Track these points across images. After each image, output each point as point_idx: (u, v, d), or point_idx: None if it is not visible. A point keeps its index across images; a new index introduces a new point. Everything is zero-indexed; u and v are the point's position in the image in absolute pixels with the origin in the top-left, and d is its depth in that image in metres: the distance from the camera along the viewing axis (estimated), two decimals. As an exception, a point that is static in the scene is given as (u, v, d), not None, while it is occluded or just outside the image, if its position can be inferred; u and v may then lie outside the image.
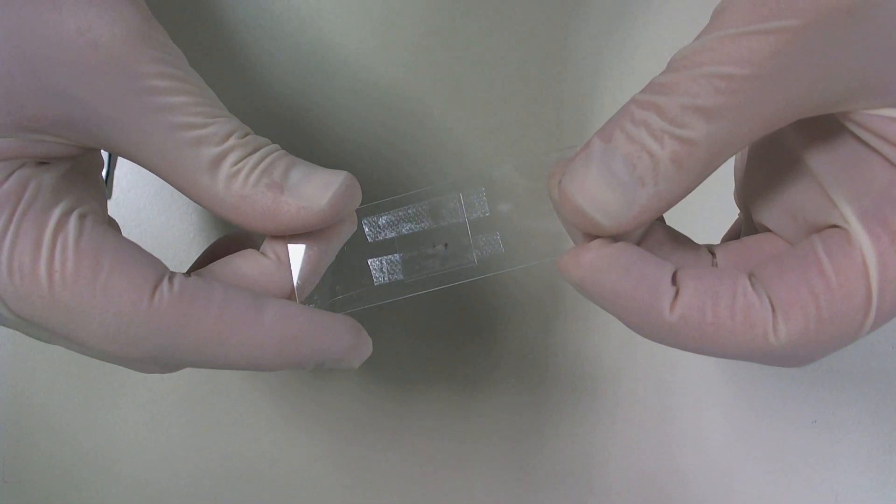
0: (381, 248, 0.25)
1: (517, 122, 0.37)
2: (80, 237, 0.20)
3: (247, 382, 0.37)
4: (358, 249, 0.25)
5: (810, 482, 0.37)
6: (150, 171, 0.22)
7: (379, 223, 0.25)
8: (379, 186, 0.36)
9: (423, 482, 0.37)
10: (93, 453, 0.36)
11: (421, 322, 0.37)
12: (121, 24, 0.20)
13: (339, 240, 0.24)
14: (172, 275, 0.21)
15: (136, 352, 0.20)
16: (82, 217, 0.21)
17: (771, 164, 0.22)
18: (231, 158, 0.21)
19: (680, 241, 0.23)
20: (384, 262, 0.25)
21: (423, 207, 0.25)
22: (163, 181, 0.22)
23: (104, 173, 0.36)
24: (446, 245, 0.25)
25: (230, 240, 0.25)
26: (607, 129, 0.20)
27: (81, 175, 0.23)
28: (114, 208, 0.37)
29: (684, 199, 0.20)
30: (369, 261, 0.25)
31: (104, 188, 0.24)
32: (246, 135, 0.22)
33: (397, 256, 0.25)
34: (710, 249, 0.23)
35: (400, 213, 0.25)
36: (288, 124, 0.36)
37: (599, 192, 0.19)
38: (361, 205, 0.23)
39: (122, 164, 0.37)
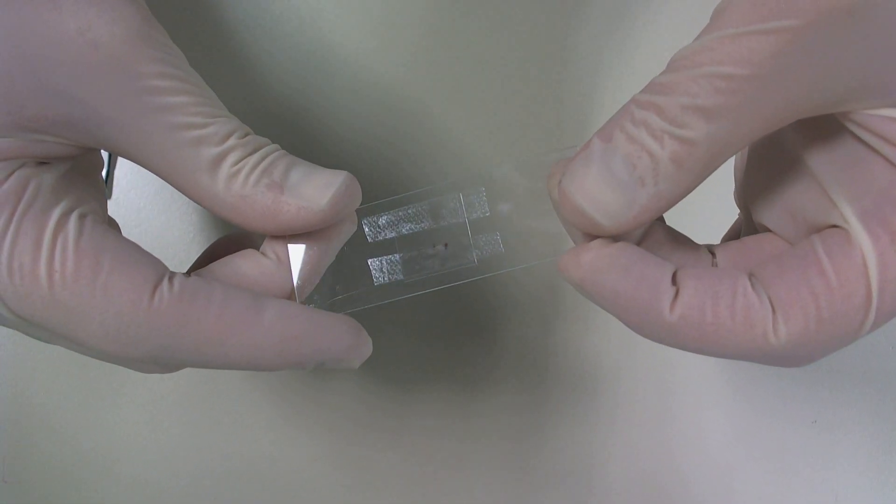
0: (381, 248, 0.25)
1: (517, 122, 0.37)
2: (80, 237, 0.20)
3: (247, 382, 0.37)
4: (358, 249, 0.25)
5: (810, 482, 0.37)
6: (150, 171, 0.22)
7: (379, 223, 0.25)
8: (379, 186, 0.36)
9: (423, 482, 0.37)
10: (93, 453, 0.36)
11: (421, 322, 0.37)
12: (121, 24, 0.20)
13: (339, 240, 0.24)
14: (172, 275, 0.21)
15: (136, 352, 0.20)
16: (82, 217, 0.21)
17: (771, 164, 0.22)
18: (231, 158, 0.21)
19: (680, 241, 0.23)
20: (384, 262, 0.25)
21: (423, 207, 0.25)
22: (163, 181, 0.22)
23: (104, 173, 0.36)
24: (446, 245, 0.25)
25: (230, 240, 0.25)
26: (607, 129, 0.20)
27: (81, 175, 0.23)
28: (114, 208, 0.37)
29: (684, 199, 0.20)
30: (369, 261, 0.25)
31: (104, 188, 0.24)
32: (246, 135, 0.22)
33: (397, 256, 0.25)
34: (711, 249, 0.23)
35: (400, 213, 0.25)
36: (288, 124, 0.36)
37: (599, 192, 0.19)
38: (361, 205, 0.23)
39: (122, 164, 0.37)
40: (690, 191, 0.20)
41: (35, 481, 0.36)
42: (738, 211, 0.26)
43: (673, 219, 0.23)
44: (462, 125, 0.37)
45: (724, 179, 0.24)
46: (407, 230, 0.25)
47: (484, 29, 0.37)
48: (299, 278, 0.23)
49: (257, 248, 0.23)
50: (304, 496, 0.37)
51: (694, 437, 0.37)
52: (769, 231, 0.23)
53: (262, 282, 0.22)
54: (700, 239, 0.24)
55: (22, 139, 0.20)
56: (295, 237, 0.23)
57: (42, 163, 0.21)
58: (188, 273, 0.22)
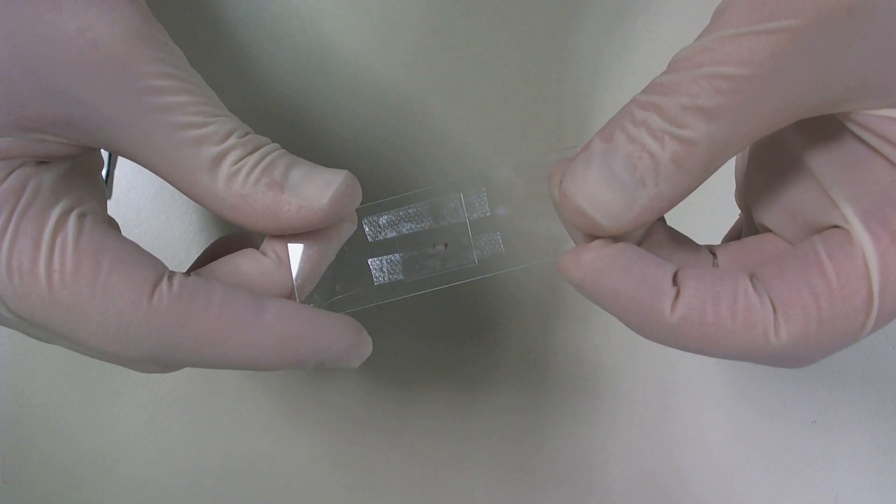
0: (382, 248, 0.25)
1: (517, 122, 0.37)
2: (80, 237, 0.20)
3: (247, 382, 0.37)
4: (358, 249, 0.25)
5: (810, 482, 0.37)
6: (150, 170, 0.22)
7: (379, 223, 0.25)
8: (379, 186, 0.36)
9: (423, 482, 0.37)
10: (93, 453, 0.36)
11: (421, 322, 0.37)
12: (121, 24, 0.20)
13: (340, 239, 0.24)
14: (172, 274, 0.21)
15: (136, 351, 0.20)
16: (82, 216, 0.21)
17: (771, 164, 0.22)
18: (231, 158, 0.21)
19: (681, 241, 0.23)
20: (384, 262, 0.25)
21: (424, 207, 0.25)
22: (163, 181, 0.22)
23: (104, 173, 0.36)
24: (446, 245, 0.25)
25: (230, 239, 0.25)
26: (608, 129, 0.20)
27: (81, 175, 0.23)
28: (114, 208, 0.37)
29: (685, 200, 0.20)
30: (369, 260, 0.25)
31: (104, 188, 0.24)
32: (246, 134, 0.22)
33: (397, 256, 0.25)
34: (711, 250, 0.23)
35: (400, 213, 0.25)
36: (288, 124, 0.36)
37: (600, 192, 0.19)
38: (362, 204, 0.23)
39: (122, 164, 0.37)
40: (691, 191, 0.20)
41: (35, 481, 0.36)
42: (739, 211, 0.26)
43: (674, 219, 0.23)
44: (462, 125, 0.37)
45: (724, 180, 0.24)
46: (407, 230, 0.25)
47: (484, 29, 0.37)
48: (299, 278, 0.23)
49: (257, 247, 0.23)
50: (304, 496, 0.37)
51: (694, 437, 0.37)
52: (770, 231, 0.23)
53: (262, 281, 0.22)
54: (701, 239, 0.24)
55: (22, 138, 0.20)
56: (295, 236, 0.23)
57: (42, 162, 0.21)
58: (188, 273, 0.22)
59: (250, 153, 0.21)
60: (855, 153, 0.20)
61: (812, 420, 0.37)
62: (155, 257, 0.21)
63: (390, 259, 0.25)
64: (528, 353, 0.37)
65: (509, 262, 0.25)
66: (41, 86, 0.20)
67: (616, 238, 0.21)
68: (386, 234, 0.25)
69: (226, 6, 0.37)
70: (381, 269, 0.25)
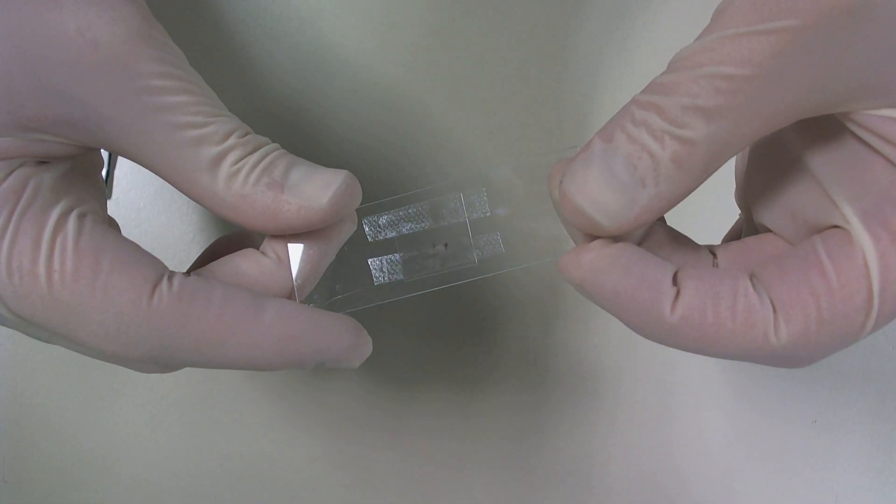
0: (382, 248, 0.25)
1: (517, 122, 0.37)
2: (80, 236, 0.20)
3: (247, 382, 0.37)
4: (358, 249, 0.25)
5: (810, 482, 0.37)
6: (150, 170, 0.22)
7: (379, 223, 0.25)
8: (379, 186, 0.36)
9: (423, 482, 0.37)
10: (93, 453, 0.36)
11: (421, 322, 0.37)
12: (121, 24, 0.20)
13: (339, 239, 0.24)
14: (172, 274, 0.21)
15: (136, 351, 0.20)
16: (82, 216, 0.21)
17: (771, 164, 0.22)
18: (231, 157, 0.21)
19: (681, 241, 0.23)
20: (384, 262, 0.25)
21: (424, 207, 0.25)
22: (163, 181, 0.22)
23: (104, 173, 0.36)
24: (446, 245, 0.25)
25: (230, 239, 0.25)
26: (608, 129, 0.20)
27: (81, 175, 0.23)
28: (114, 208, 0.37)
29: (685, 200, 0.20)
30: (369, 260, 0.25)
31: (104, 188, 0.24)
32: (246, 134, 0.22)
33: (397, 256, 0.25)
34: (711, 250, 0.23)
35: (400, 213, 0.25)
36: (288, 124, 0.36)
37: (600, 192, 0.19)
38: (362, 204, 0.23)
39: (122, 164, 0.37)
40: (691, 191, 0.20)
41: (35, 481, 0.36)
42: (739, 211, 0.26)
43: (674, 219, 0.23)
44: (462, 125, 0.37)
45: (724, 180, 0.24)
46: (407, 230, 0.25)
47: (484, 29, 0.37)
48: (299, 278, 0.23)
49: (257, 247, 0.23)
50: (304, 496, 0.37)
51: (694, 437, 0.37)
52: (770, 231, 0.23)
53: (262, 281, 0.22)
54: (701, 239, 0.24)
55: (22, 138, 0.20)
56: (295, 236, 0.23)
57: (42, 162, 0.21)
58: (188, 273, 0.22)
59: (250, 153, 0.21)
60: (855, 153, 0.20)
61: (812, 420, 0.37)
62: (155, 257, 0.21)
63: (390, 259, 0.25)
64: (528, 353, 0.37)
65: (509, 263, 0.25)
66: (41, 85, 0.20)
67: (616, 238, 0.21)
68: (386, 234, 0.25)
69: (226, 6, 0.37)
70: (381, 269, 0.25)
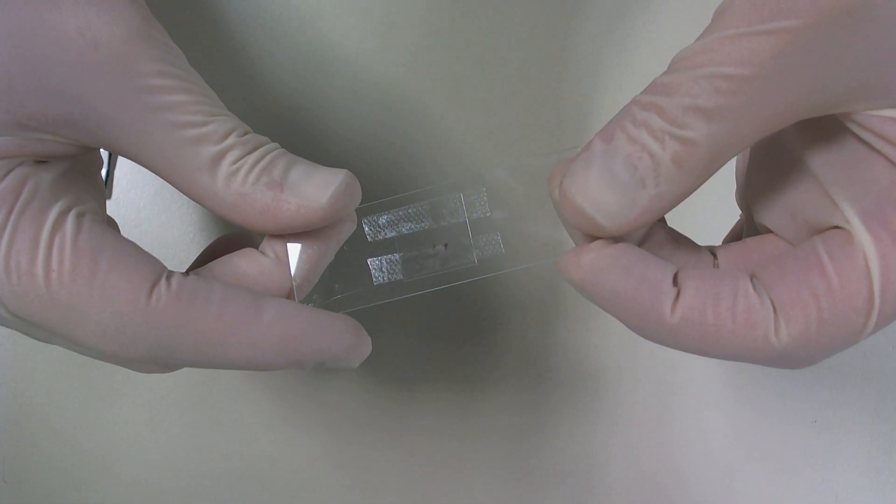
0: (381, 248, 0.25)
1: (517, 122, 0.37)
2: (78, 236, 0.20)
3: (247, 382, 0.37)
4: (358, 249, 0.25)
5: (810, 482, 0.37)
6: (150, 170, 0.22)
7: (379, 222, 0.25)
8: (379, 186, 0.36)
9: (423, 482, 0.37)
10: (93, 453, 0.36)
11: (421, 322, 0.37)
12: (120, 24, 0.20)
13: (339, 239, 0.24)
14: (170, 274, 0.21)
15: (135, 351, 0.20)
16: (80, 216, 0.21)
17: (772, 164, 0.22)
18: (230, 157, 0.21)
19: (681, 242, 0.23)
20: (384, 262, 0.25)
21: (424, 207, 0.25)
22: (163, 181, 0.22)
23: (104, 173, 0.36)
24: (446, 245, 0.25)
25: (230, 239, 0.25)
26: (608, 129, 0.20)
27: (80, 174, 0.23)
28: (114, 208, 0.37)
29: (686, 201, 0.20)
30: (369, 260, 0.25)
31: (103, 187, 0.24)
32: (245, 133, 0.22)
33: (397, 256, 0.25)
34: (712, 251, 0.23)
35: (400, 213, 0.25)
36: (288, 124, 0.36)
37: (600, 193, 0.19)
38: (361, 204, 0.23)
39: (122, 164, 0.37)
40: (691, 192, 0.20)
41: (35, 481, 0.36)
42: (740, 212, 0.26)
43: (674, 220, 0.23)
44: (462, 125, 0.37)
45: (725, 180, 0.24)
46: (407, 230, 0.25)
47: (484, 29, 0.37)
48: (298, 277, 0.23)
49: (257, 247, 0.23)
50: (304, 496, 0.37)
51: (694, 437, 0.37)
52: (771, 232, 0.23)
53: (262, 281, 0.22)
54: (701, 240, 0.24)
55: (21, 138, 0.20)
56: (294, 236, 0.23)
57: (41, 161, 0.21)
58: (187, 272, 0.22)
59: (250, 152, 0.21)
60: (855, 153, 0.20)
61: (812, 420, 0.37)
62: (154, 257, 0.21)
63: (390, 259, 0.25)
64: (528, 353, 0.37)
65: (509, 263, 0.25)
66: (41, 85, 0.20)
67: (616, 239, 0.21)
68: (385, 233, 0.25)
69: (226, 6, 0.37)
70: (381, 269, 0.25)
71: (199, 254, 0.25)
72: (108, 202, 0.36)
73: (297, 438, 0.37)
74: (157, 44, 0.21)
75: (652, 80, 0.20)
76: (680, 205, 0.20)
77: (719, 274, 0.20)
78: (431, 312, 0.37)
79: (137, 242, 0.21)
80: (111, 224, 0.24)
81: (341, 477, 0.37)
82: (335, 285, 0.25)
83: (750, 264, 0.22)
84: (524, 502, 0.37)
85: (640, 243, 0.22)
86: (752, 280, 0.20)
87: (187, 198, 0.22)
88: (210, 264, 0.23)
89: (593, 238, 0.21)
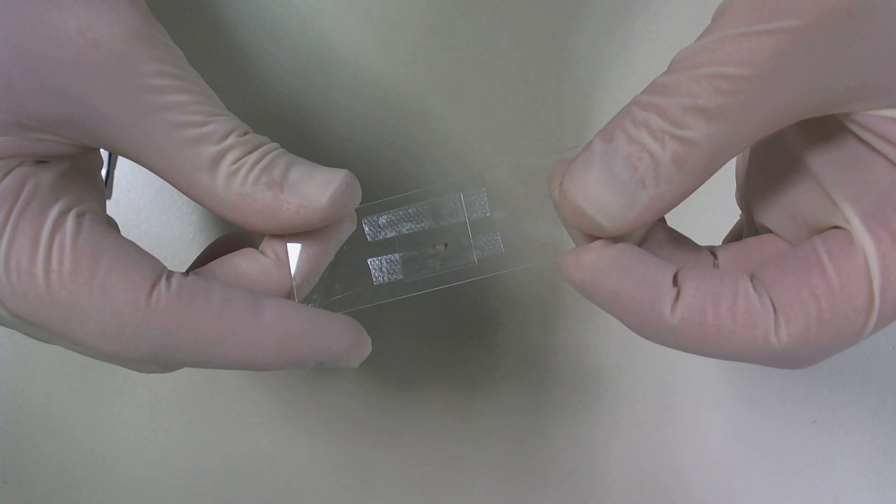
0: (381, 248, 0.25)
1: (517, 122, 0.37)
2: (78, 236, 0.20)
3: (246, 382, 0.37)
4: (358, 249, 0.25)
5: (810, 482, 0.37)
6: (150, 170, 0.22)
7: (379, 222, 0.25)
8: (379, 186, 0.36)
9: (423, 482, 0.37)
10: (93, 453, 0.36)
11: (421, 322, 0.37)
12: (120, 24, 0.20)
13: (339, 239, 0.24)
14: (170, 274, 0.21)
15: (135, 351, 0.20)
16: (80, 216, 0.21)
17: (772, 164, 0.22)
18: (230, 157, 0.21)
19: (681, 242, 0.23)
20: (384, 262, 0.25)
21: (424, 207, 0.25)
22: (163, 181, 0.22)
23: (104, 173, 0.36)
24: (446, 245, 0.25)
25: (230, 239, 0.25)
26: (608, 129, 0.20)
27: (80, 174, 0.23)
28: (114, 208, 0.37)
29: (686, 201, 0.20)
30: (369, 260, 0.25)
31: (103, 187, 0.24)
32: (245, 133, 0.22)
33: (397, 256, 0.25)
34: (712, 251, 0.23)
35: (400, 213, 0.25)
36: (288, 124, 0.36)
37: (600, 193, 0.19)
38: (361, 204, 0.23)
39: (122, 164, 0.37)
40: (691, 192, 0.20)
41: (35, 481, 0.36)
42: (740, 212, 0.26)
43: (674, 220, 0.23)
44: (462, 125, 0.37)
45: (725, 180, 0.24)
46: (407, 230, 0.25)
47: (484, 29, 0.37)
48: (298, 277, 0.23)
49: (257, 247, 0.23)
50: (303, 496, 0.37)
51: (694, 437, 0.37)
52: (771, 232, 0.23)
53: (262, 281, 0.22)
54: (702, 240, 0.24)
55: (21, 138, 0.20)
56: (294, 236, 0.23)
57: (40, 161, 0.21)
58: (187, 272, 0.22)
59: (249, 152, 0.21)
60: (855, 154, 0.20)
61: (812, 420, 0.37)
62: (153, 257, 0.21)
63: (390, 259, 0.25)
64: (528, 353, 0.37)
65: (509, 263, 0.25)
66: (41, 85, 0.20)
67: (616, 239, 0.21)
68: (385, 233, 0.25)
69: (226, 6, 0.37)
70: (381, 269, 0.25)
71: (199, 254, 0.25)
72: (108, 202, 0.36)
73: (297, 438, 0.37)
74: (157, 44, 0.21)
75: (652, 80, 0.20)
76: (680, 205, 0.20)
77: (719, 274, 0.20)
78: (431, 312, 0.37)
79: (137, 242, 0.21)
80: (111, 224, 0.24)
81: (341, 477, 0.37)
82: (335, 285, 0.25)
83: (750, 264, 0.22)
84: (524, 502, 0.37)
85: (640, 243, 0.22)
86: (752, 280, 0.20)
87: (187, 198, 0.22)
88: (210, 264, 0.23)
89: (593, 238, 0.21)
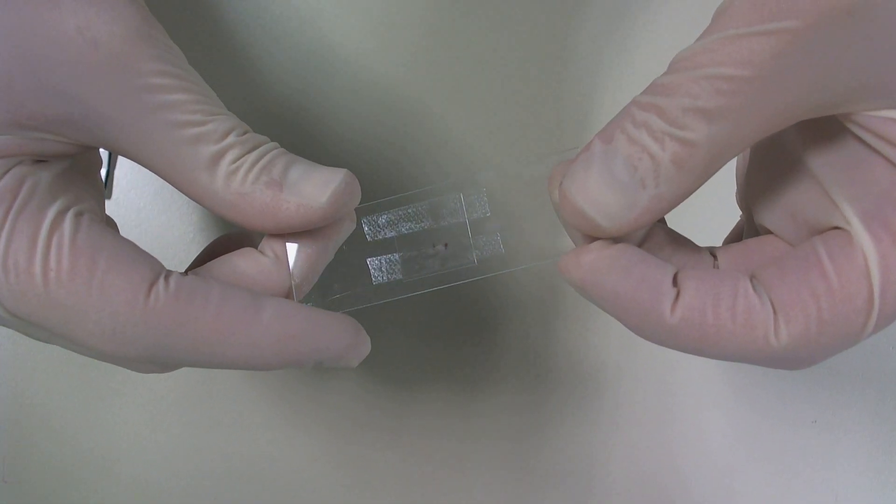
0: (381, 248, 0.25)
1: (517, 122, 0.37)
2: (76, 235, 0.20)
3: (246, 382, 0.37)
4: (357, 248, 0.25)
5: (810, 482, 0.37)
6: (149, 169, 0.22)
7: (378, 222, 0.25)
8: (379, 186, 0.36)
9: (423, 482, 0.37)
10: (93, 453, 0.36)
11: (421, 322, 0.37)
12: (120, 23, 0.20)
13: (338, 238, 0.24)
14: (169, 273, 0.21)
15: (133, 351, 0.20)
16: (79, 215, 0.21)
17: (772, 165, 0.22)
18: (230, 156, 0.21)
19: (681, 243, 0.23)
20: (383, 262, 0.25)
21: (424, 207, 0.25)
22: (163, 181, 0.22)
23: (104, 173, 0.36)
24: (446, 245, 0.25)
25: (229, 239, 0.25)
26: (608, 130, 0.20)
27: (79, 173, 0.23)
28: (114, 208, 0.37)
29: (686, 202, 0.20)
30: (368, 260, 0.25)
31: (102, 187, 0.24)
32: (245, 132, 0.22)
33: (397, 256, 0.25)
34: (712, 252, 0.23)
35: (400, 213, 0.25)
36: (288, 124, 0.36)
37: (600, 193, 0.19)
38: (361, 204, 0.23)
39: (122, 164, 0.37)
40: (691, 192, 0.20)
41: (35, 481, 0.36)
42: (741, 213, 0.26)
43: (674, 220, 0.23)
44: (462, 125, 0.37)
45: (726, 181, 0.24)
46: (407, 230, 0.25)
47: (484, 29, 0.37)
48: (297, 277, 0.23)
49: (256, 247, 0.23)
50: (303, 496, 0.37)
51: (694, 437, 0.37)
52: (771, 233, 0.23)
53: (261, 280, 0.22)
54: (702, 240, 0.24)
55: (20, 137, 0.20)
56: (293, 235, 0.23)
57: (39, 161, 0.21)
58: (186, 272, 0.22)
59: (249, 151, 0.21)
60: (855, 154, 0.20)
61: (812, 420, 0.37)
62: (152, 256, 0.21)
63: (389, 259, 0.25)
64: (528, 353, 0.37)
65: (509, 263, 0.25)
66: (40, 84, 0.20)
67: (616, 239, 0.21)
68: (385, 233, 0.25)
69: (226, 6, 0.37)
70: (380, 269, 0.25)
71: (198, 254, 0.25)
72: (108, 202, 0.36)
73: (297, 438, 0.37)
74: (156, 43, 0.21)
75: (652, 80, 0.20)
76: (680, 205, 0.20)
77: (719, 274, 0.20)
78: (431, 312, 0.37)
79: (137, 242, 0.21)
80: (110, 224, 0.24)
81: (341, 477, 0.37)
82: (334, 285, 0.25)
83: (750, 265, 0.22)
84: (524, 502, 0.37)
85: (640, 244, 0.22)
86: (752, 281, 0.20)
87: (187, 198, 0.22)
88: (209, 264, 0.23)
89: (593, 239, 0.21)
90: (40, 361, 0.36)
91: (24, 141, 0.20)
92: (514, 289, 0.37)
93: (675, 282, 0.20)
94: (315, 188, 0.21)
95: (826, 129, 0.20)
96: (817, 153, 0.21)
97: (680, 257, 0.23)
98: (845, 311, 0.19)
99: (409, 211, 0.25)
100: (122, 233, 0.22)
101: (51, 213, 0.20)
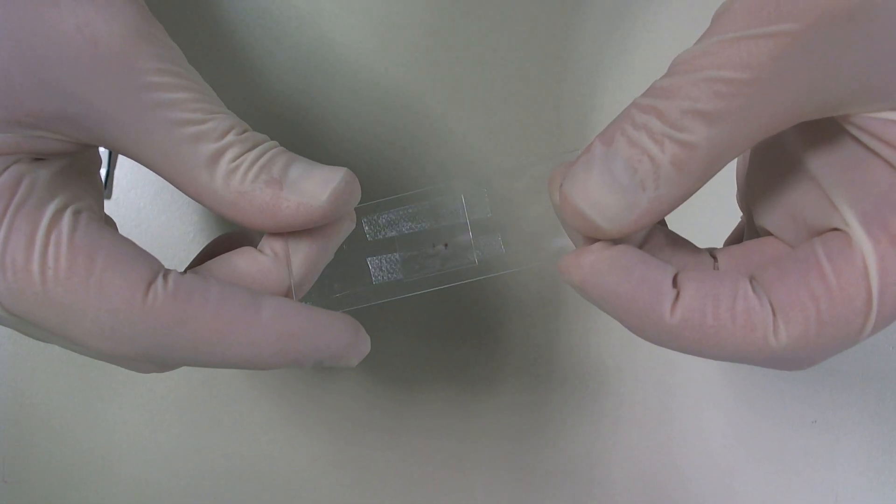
0: (381, 247, 0.25)
1: (517, 122, 0.37)
2: (75, 234, 0.20)
3: (246, 382, 0.37)
4: (357, 248, 0.25)
5: (810, 482, 0.37)
6: (149, 168, 0.22)
7: (379, 222, 0.25)
8: (379, 186, 0.36)
9: (423, 482, 0.37)
10: (93, 453, 0.36)
11: (421, 322, 0.37)
12: (119, 21, 0.20)
13: (338, 238, 0.23)
14: (167, 272, 0.21)
15: (131, 350, 0.20)
16: (77, 214, 0.21)
17: (772, 167, 0.22)
18: (230, 154, 0.21)
19: (681, 244, 0.23)
20: (383, 262, 0.25)
21: (424, 207, 0.25)
22: (163, 181, 0.22)
23: (104, 173, 0.36)
24: (446, 245, 0.25)
25: (229, 238, 0.25)
26: (608, 132, 0.20)
27: (78, 172, 0.22)
28: (114, 208, 0.37)
29: (686, 203, 0.20)
30: (368, 259, 0.25)
31: (101, 185, 0.24)
32: (244, 131, 0.22)
33: (397, 256, 0.25)
34: (712, 253, 0.23)
35: (400, 213, 0.25)
36: (288, 124, 0.36)
37: (600, 195, 0.19)
38: (361, 204, 0.23)
39: (122, 164, 0.37)
40: (691, 194, 0.20)
41: (35, 481, 0.36)
42: (741, 214, 0.26)
43: (675, 222, 0.23)
44: (462, 125, 0.37)
45: (726, 182, 0.24)
46: (407, 229, 0.25)
47: (484, 29, 0.37)
48: (297, 276, 0.23)
49: (256, 247, 0.23)
50: (303, 496, 0.37)
51: (695, 437, 0.37)
52: (771, 235, 0.23)
53: (260, 279, 0.22)
54: (702, 242, 0.24)
55: (18, 135, 0.20)
56: (293, 234, 0.23)
57: (38, 159, 0.21)
58: (185, 271, 0.22)
59: (249, 150, 0.21)
60: (855, 156, 0.20)
61: (812, 420, 0.37)
62: (151, 255, 0.21)
63: (389, 258, 0.25)
64: (528, 353, 0.37)
65: (509, 264, 0.25)
66: (40, 83, 0.20)
67: (616, 241, 0.21)
68: (385, 233, 0.25)
69: (226, 6, 0.37)
70: (381, 269, 0.25)
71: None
72: (107, 202, 0.36)
73: (297, 438, 0.37)
74: (156, 41, 0.21)
75: (652, 80, 0.20)
76: (680, 207, 0.20)
77: (719, 275, 0.20)
78: (431, 312, 0.37)
79: (137, 242, 0.21)
80: (108, 222, 0.24)
81: (341, 477, 0.37)
82: (334, 284, 0.25)
83: (750, 266, 0.22)
84: (524, 502, 0.37)
85: (641, 245, 0.22)
86: (751, 282, 0.20)
87: (187, 198, 0.22)
88: (208, 263, 0.23)
89: (593, 240, 0.21)
90: (40, 361, 0.36)
91: (23, 139, 0.20)
92: (514, 289, 0.37)
93: (675, 283, 0.20)
94: (315, 187, 0.21)
95: (826, 131, 0.20)
96: (816, 155, 0.21)
97: (680, 258, 0.23)
98: (844, 313, 0.19)
99: (410, 211, 0.25)
100: (122, 232, 0.22)
101: (49, 211, 0.20)
